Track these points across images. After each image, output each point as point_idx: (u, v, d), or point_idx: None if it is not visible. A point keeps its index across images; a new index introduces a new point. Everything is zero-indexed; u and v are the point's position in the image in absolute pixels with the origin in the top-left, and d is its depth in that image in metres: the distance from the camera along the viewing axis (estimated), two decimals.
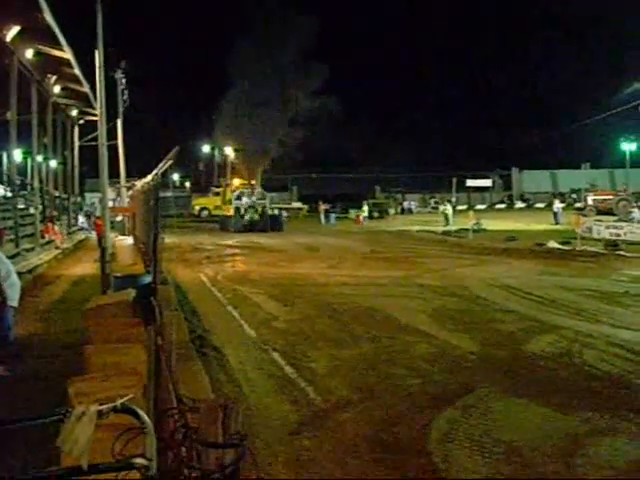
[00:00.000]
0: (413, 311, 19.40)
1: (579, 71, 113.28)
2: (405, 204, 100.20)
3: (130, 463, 3.54)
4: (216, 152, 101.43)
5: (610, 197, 71.68)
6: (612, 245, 38.25)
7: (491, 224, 56.15)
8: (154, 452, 3.60)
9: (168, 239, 40.90)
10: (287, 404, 11.27)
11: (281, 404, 11.28)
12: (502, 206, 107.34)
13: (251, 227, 61.66)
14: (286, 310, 20.13)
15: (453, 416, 10.50)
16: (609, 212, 63.55)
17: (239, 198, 66.11)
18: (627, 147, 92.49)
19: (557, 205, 64.28)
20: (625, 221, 49.89)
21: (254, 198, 66.18)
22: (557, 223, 59.16)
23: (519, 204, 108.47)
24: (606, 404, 10.93)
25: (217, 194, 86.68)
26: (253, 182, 70.45)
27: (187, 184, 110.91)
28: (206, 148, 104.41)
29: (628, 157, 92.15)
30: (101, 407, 3.45)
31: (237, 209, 64.22)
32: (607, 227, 46.19)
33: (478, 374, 12.92)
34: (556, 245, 39.84)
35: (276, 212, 68.33)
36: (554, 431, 9.82)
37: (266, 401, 11.42)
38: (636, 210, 54.06)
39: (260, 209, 64.96)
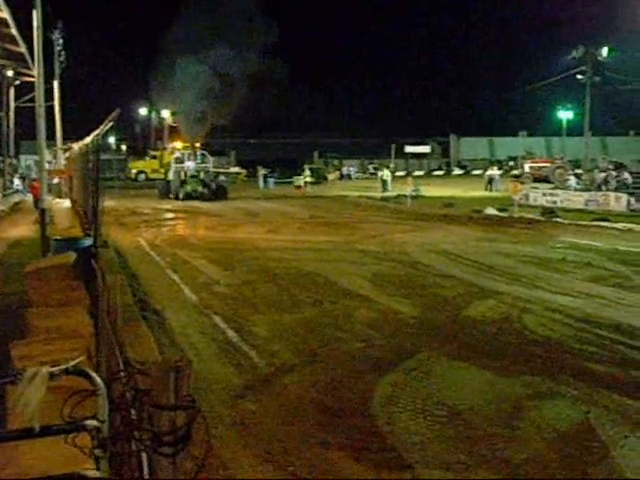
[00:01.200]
0: (354, 276, 19.45)
1: (516, 41, 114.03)
2: (344, 170, 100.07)
3: (82, 425, 3.50)
4: (153, 114, 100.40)
5: (547, 165, 72.35)
6: (549, 212, 38.70)
7: (429, 190, 56.44)
8: (106, 414, 3.56)
9: (106, 203, 40.41)
10: (231, 368, 11.25)
11: (225, 368, 11.25)
12: (440, 173, 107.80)
13: (195, 196, 53.81)
14: (227, 274, 20.06)
15: (396, 380, 10.55)
16: (546, 180, 64.17)
17: (180, 161, 59.71)
18: (564, 115, 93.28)
19: (492, 172, 64.83)
20: (561, 188, 50.47)
21: (197, 162, 59.43)
22: (491, 190, 59.77)
23: (457, 171, 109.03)
24: (546, 368, 11.08)
25: (154, 157, 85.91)
26: (197, 145, 62.89)
27: (124, 147, 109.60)
28: (143, 110, 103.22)
29: (564, 125, 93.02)
30: (52, 369, 3.39)
31: (177, 173, 56.91)
32: (544, 194, 46.76)
33: (420, 338, 13.00)
34: (494, 212, 40.18)
35: (222, 179, 63.86)
36: (496, 395, 9.94)
37: (210, 365, 11.38)
38: (572, 177, 54.66)
39: (203, 175, 57.43)
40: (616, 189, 46.23)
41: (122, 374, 4.87)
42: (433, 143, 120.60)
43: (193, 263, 22.03)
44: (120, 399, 4.43)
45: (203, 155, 61.64)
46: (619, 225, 32.99)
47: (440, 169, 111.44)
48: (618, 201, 41.43)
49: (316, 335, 13.26)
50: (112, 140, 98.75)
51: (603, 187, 47.84)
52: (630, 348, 12.27)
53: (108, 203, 42.33)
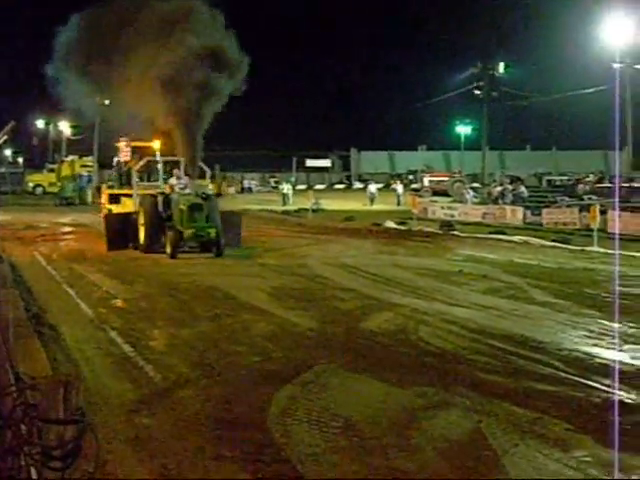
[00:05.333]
0: (253, 290, 19.47)
1: (417, 56, 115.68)
2: (245, 183, 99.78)
3: None
4: (51, 127, 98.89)
5: (445, 179, 73.55)
6: (447, 225, 39.35)
7: (330, 204, 56.73)
8: None
9: (1, 217, 39.77)
10: (126, 382, 11.17)
11: (120, 383, 11.16)
12: (341, 186, 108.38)
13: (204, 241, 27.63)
14: (125, 288, 19.91)
15: (292, 392, 10.61)
16: (444, 193, 65.20)
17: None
18: (462, 130, 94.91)
19: (374, 186, 64.77)
20: (459, 202, 51.32)
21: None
22: (371, 204, 60.14)
23: (357, 184, 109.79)
24: (441, 379, 11.25)
25: (52, 170, 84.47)
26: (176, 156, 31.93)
27: (20, 160, 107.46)
28: (40, 123, 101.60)
29: (463, 140, 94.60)
30: None
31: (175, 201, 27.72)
32: (442, 208, 47.50)
33: (317, 351, 13.09)
34: (393, 225, 40.66)
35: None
36: (391, 405, 10.08)
37: (104, 380, 11.27)
38: (470, 191, 55.63)
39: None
40: (512, 202, 47.15)
41: (13, 389, 4.84)
42: (334, 157, 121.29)
43: (90, 277, 21.77)
44: (10, 414, 4.41)
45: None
46: (515, 238, 33.67)
47: (341, 183, 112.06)
48: (514, 214, 42.30)
49: (214, 349, 13.24)
50: (8, 153, 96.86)
51: (500, 200, 48.71)
52: (522, 358, 12.54)
53: (4, 217, 41.61)
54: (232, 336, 14.21)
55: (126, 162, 33.90)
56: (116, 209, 32.70)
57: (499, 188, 52.80)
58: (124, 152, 34.10)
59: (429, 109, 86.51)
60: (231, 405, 10.04)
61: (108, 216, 31.74)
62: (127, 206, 31.47)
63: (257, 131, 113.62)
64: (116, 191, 34.46)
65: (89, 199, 63.58)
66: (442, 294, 18.75)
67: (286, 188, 64.07)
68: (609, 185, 51.28)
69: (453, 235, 36.12)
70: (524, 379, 11.31)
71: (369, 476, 7.83)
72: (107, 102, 40.71)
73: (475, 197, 54.30)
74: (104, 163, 61.37)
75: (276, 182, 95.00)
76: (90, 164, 74.24)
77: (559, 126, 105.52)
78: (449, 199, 56.92)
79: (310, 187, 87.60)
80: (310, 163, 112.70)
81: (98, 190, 49.50)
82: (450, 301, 17.78)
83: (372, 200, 61.18)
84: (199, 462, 8.12)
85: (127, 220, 29.36)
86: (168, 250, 26.06)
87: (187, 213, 26.49)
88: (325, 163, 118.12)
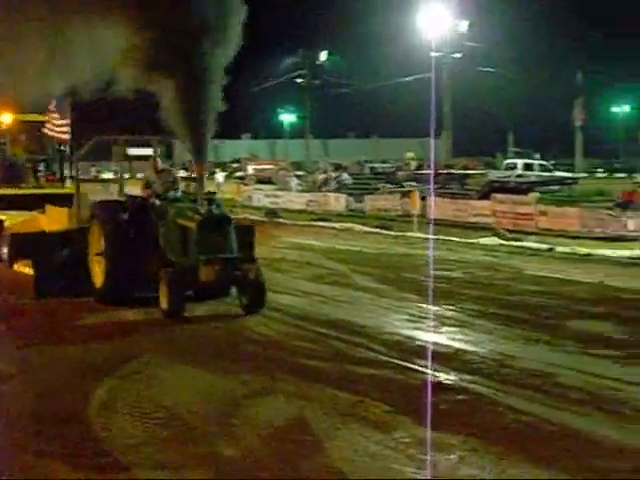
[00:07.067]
0: None
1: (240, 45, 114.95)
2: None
3: None
4: None
5: (270, 167, 73.89)
6: (271, 213, 39.56)
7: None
8: None
9: None
10: None
11: None
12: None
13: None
14: None
15: (115, 384, 10.47)
16: (269, 181, 65.50)
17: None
18: (286, 118, 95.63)
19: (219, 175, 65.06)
20: (284, 190, 51.66)
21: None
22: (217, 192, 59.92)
23: (182, 173, 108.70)
24: (265, 366, 11.29)
25: None
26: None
27: None
28: None
29: (288, 128, 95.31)
30: None
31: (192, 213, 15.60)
32: (267, 195, 47.71)
33: (141, 342, 12.96)
34: None
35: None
36: (214, 395, 10.04)
37: None
38: (294, 179, 56.08)
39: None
40: (336, 190, 47.85)
41: None
42: (157, 145, 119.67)
43: None
44: None
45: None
46: (338, 225, 34.15)
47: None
48: (338, 201, 42.87)
49: (33, 344, 12.89)
50: None
51: (323, 188, 49.37)
52: (344, 343, 12.73)
53: None
54: (55, 329, 13.91)
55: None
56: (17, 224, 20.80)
57: (323, 176, 53.54)
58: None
59: (253, 97, 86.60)
60: (51, 400, 9.84)
61: (17, 236, 19.74)
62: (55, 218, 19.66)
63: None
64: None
65: None
66: (267, 282, 18.76)
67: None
68: (428, 172, 52.65)
69: (278, 222, 36.34)
70: (346, 363, 11.47)
71: (190, 462, 7.83)
72: None
73: (299, 185, 54.78)
74: None
75: (98, 171, 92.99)
76: None
77: (381, 114, 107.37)
78: (274, 187, 57.15)
79: (133, 177, 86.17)
80: (132, 152, 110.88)
81: None
82: (274, 288, 17.75)
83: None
84: (19, 458, 7.97)
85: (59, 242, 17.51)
86: (164, 303, 14.59)
87: (199, 235, 14.78)
88: (147, 151, 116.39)
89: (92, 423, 8.96)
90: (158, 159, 18.04)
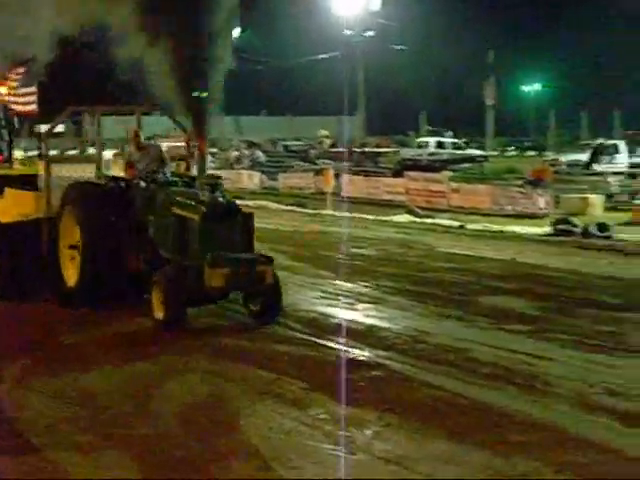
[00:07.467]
0: None
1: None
2: None
3: None
4: None
5: (182, 144, 73.14)
6: None
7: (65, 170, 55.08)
8: None
9: None
10: None
11: None
12: (75, 152, 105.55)
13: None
14: None
15: (26, 364, 10.40)
16: (182, 158, 64.83)
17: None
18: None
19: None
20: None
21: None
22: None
23: (91, 150, 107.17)
24: (182, 347, 11.13)
25: None
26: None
27: None
28: None
29: None
30: None
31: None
32: None
33: (61, 325, 12.75)
34: None
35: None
36: (130, 375, 9.97)
37: None
38: (208, 156, 55.66)
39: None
40: (250, 168, 47.63)
41: None
42: (69, 123, 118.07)
43: None
44: None
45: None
46: (251, 202, 33.91)
47: (75, 149, 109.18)
48: (251, 179, 42.74)
49: None
50: None
51: (236, 166, 49.11)
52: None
53: None
54: None
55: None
56: None
57: (236, 153, 53.24)
58: None
59: None
60: None
61: None
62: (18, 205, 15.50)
63: None
64: None
65: None
66: None
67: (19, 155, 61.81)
68: (342, 150, 52.77)
69: None
70: (264, 341, 11.44)
71: (105, 443, 7.76)
72: None
73: (213, 162, 54.37)
74: None
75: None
76: None
77: (295, 92, 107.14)
78: None
79: (42, 155, 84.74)
80: (42, 128, 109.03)
81: None
82: None
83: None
84: None
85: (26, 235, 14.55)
86: (159, 312, 11.97)
87: (203, 230, 12.20)
88: (59, 128, 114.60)
89: (5, 402, 8.86)
90: (140, 133, 15.21)
